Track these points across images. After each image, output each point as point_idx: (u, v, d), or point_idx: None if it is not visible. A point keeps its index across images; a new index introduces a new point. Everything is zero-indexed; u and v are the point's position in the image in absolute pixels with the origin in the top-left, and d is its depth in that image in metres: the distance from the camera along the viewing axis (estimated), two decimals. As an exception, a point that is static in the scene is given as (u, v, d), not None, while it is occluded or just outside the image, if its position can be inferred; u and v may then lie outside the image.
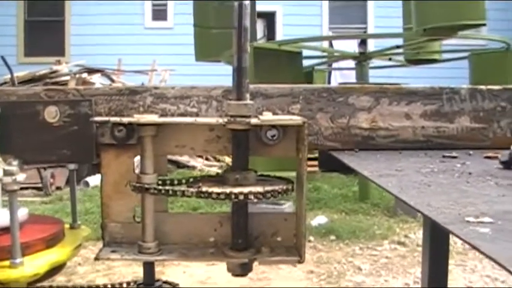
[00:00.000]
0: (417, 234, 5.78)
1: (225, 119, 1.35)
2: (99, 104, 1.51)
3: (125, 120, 1.38)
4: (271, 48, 6.09)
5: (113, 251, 1.46)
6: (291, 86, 1.54)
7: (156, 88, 1.52)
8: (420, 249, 5.30)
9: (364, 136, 1.55)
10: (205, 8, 6.31)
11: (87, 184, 8.26)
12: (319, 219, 6.18)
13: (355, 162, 1.36)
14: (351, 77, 10.46)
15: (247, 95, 1.35)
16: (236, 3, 1.36)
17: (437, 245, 1.80)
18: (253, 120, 1.35)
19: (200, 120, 1.40)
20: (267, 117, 1.40)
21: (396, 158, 1.45)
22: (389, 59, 8.12)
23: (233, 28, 1.36)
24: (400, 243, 5.56)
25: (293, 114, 1.52)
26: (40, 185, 7.89)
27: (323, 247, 5.32)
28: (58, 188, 8.32)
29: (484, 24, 5.39)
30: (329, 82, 14.63)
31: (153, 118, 1.37)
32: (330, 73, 14.29)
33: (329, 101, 1.53)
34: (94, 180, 8.34)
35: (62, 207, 7.11)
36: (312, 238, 5.47)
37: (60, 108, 1.48)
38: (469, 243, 0.64)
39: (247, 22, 1.35)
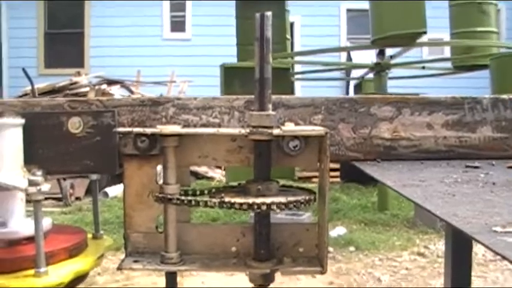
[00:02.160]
0: (437, 245, 5.74)
1: (248, 130, 1.36)
2: (121, 114, 1.52)
3: (148, 131, 1.39)
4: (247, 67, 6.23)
5: (135, 261, 1.46)
6: (312, 96, 1.54)
7: (178, 99, 1.52)
8: (441, 260, 5.28)
9: (386, 146, 1.55)
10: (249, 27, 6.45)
11: (106, 194, 8.30)
12: (338, 230, 6.16)
13: (378, 172, 1.36)
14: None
15: (270, 106, 1.36)
16: (258, 15, 1.37)
17: (459, 256, 1.78)
18: (276, 131, 1.35)
19: (222, 130, 1.40)
20: (289, 127, 1.40)
21: (419, 168, 1.44)
22: (423, 68, 8.12)
23: (255, 39, 1.37)
24: (420, 254, 5.53)
25: (315, 124, 1.53)
26: (60, 196, 7.94)
27: (342, 258, 5.30)
28: (77, 199, 8.38)
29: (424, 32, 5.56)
30: (347, 92, 14.64)
31: (175, 129, 1.37)
32: (347, 83, 14.31)
33: (351, 111, 1.53)
34: (113, 190, 8.39)
35: (82, 217, 7.16)
36: (331, 249, 5.46)
37: (84, 119, 1.50)
38: (498, 253, 0.64)
39: (269, 33, 1.36)
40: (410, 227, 6.61)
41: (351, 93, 14.21)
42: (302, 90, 14.42)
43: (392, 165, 1.47)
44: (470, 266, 1.86)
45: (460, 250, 1.81)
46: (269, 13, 1.37)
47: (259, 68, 1.36)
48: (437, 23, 14.68)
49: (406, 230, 6.47)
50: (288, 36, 6.79)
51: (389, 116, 1.55)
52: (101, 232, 1.75)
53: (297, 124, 1.51)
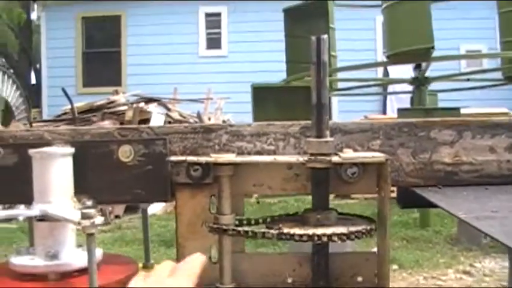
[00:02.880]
0: (483, 263, 5.61)
1: (305, 158, 1.31)
2: (173, 142, 1.49)
3: (202, 160, 1.35)
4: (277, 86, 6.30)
5: (189, 293, 1.42)
6: (370, 121, 1.49)
7: (231, 126, 1.48)
8: (488, 279, 5.15)
9: (447, 171, 1.49)
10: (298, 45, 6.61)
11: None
12: (380, 248, 6.06)
13: (443, 201, 1.30)
14: (406, 101, 10.34)
15: (327, 132, 1.31)
16: (314, 38, 1.32)
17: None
18: (335, 158, 1.30)
19: (279, 159, 1.36)
20: (349, 154, 1.35)
21: (485, 195, 1.38)
22: (468, 80, 8.04)
23: (311, 63, 1.32)
24: (465, 272, 5.40)
25: (373, 150, 1.47)
26: (103, 217, 7.96)
27: (386, 277, 5.20)
28: (117, 217, 8.41)
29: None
30: (384, 106, 14.52)
31: (231, 157, 1.33)
32: (385, 97, 14.19)
33: (410, 136, 1.48)
34: (152, 209, 8.40)
35: (121, 236, 7.18)
36: (374, 268, 5.37)
37: (134, 147, 1.47)
38: None
39: (325, 57, 1.31)
40: (453, 244, 6.48)
41: (389, 108, 14.10)
42: (339, 104, 14.33)
43: (455, 192, 1.41)
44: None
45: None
46: (325, 36, 1.33)
47: (316, 93, 1.31)
48: (474, 34, 14.53)
49: (450, 247, 6.34)
50: (334, 54, 6.80)
51: (449, 140, 1.49)
52: (152, 261, 1.72)
53: (354, 150, 1.46)
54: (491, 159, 1.50)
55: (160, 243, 6.57)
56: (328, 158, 1.30)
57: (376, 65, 6.70)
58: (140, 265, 1.66)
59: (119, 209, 8.43)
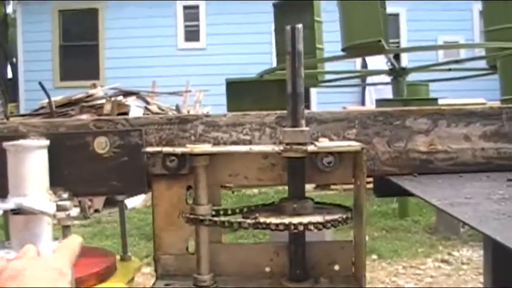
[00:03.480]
0: (461, 252, 5.67)
1: (281, 147, 1.31)
2: (149, 133, 1.48)
3: (178, 150, 1.35)
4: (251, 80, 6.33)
5: (167, 284, 1.42)
6: (346, 110, 1.49)
7: (207, 116, 1.48)
8: (466, 267, 5.20)
9: (423, 160, 1.50)
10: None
11: (124, 206, 8.28)
12: (360, 238, 6.09)
13: (418, 188, 1.31)
14: (385, 92, 10.39)
15: (303, 122, 1.31)
16: (288, 28, 1.32)
17: (500, 269, 1.72)
18: (310, 148, 1.30)
19: (255, 148, 1.36)
20: (324, 144, 1.35)
21: (459, 182, 1.39)
22: (449, 70, 8.09)
23: (286, 53, 1.32)
24: (444, 261, 5.45)
25: (349, 139, 1.48)
26: (78, 208, 7.92)
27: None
28: (96, 211, 8.38)
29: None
30: (363, 98, 14.58)
31: (206, 148, 1.33)
32: (363, 89, 14.24)
33: (385, 125, 1.48)
34: (131, 202, 8.37)
35: (101, 230, 7.15)
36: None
37: (110, 138, 1.46)
38: None
39: (300, 46, 1.31)
40: (432, 233, 6.54)
41: (368, 99, 14.16)
42: (318, 96, 14.37)
43: (430, 179, 1.42)
44: None
45: (500, 262, 1.75)
46: (300, 26, 1.33)
47: (291, 83, 1.31)
48: (452, 26, 14.62)
49: (429, 237, 6.40)
50: (321, 46, 6.87)
51: (425, 129, 1.49)
52: (129, 254, 1.71)
53: (330, 139, 1.46)
54: (465, 148, 1.51)
55: (141, 236, 6.56)
56: (303, 148, 1.30)
57: (336, 58, 6.72)
58: (118, 257, 1.65)
59: (99, 203, 8.39)
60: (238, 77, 6.31)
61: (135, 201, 8.39)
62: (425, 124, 1.49)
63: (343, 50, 6.51)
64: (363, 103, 14.32)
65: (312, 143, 1.34)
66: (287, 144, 1.31)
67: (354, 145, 1.32)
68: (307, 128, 1.32)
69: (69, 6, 15.17)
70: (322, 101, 14.15)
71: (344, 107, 11.27)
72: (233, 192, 8.51)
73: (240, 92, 5.85)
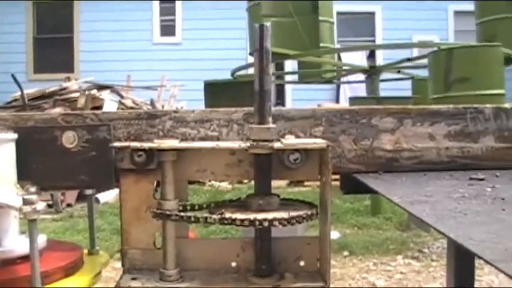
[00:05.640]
0: (431, 249, 5.73)
1: (248, 144, 1.32)
2: (117, 128, 1.49)
3: (145, 145, 1.35)
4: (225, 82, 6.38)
5: (133, 279, 1.43)
6: (313, 108, 1.51)
7: (175, 112, 1.49)
8: (435, 264, 5.26)
9: (388, 158, 1.52)
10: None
11: (97, 201, 8.23)
12: (331, 235, 6.12)
13: (381, 186, 1.33)
14: (359, 90, 10.45)
15: (270, 119, 1.33)
16: (256, 25, 1.34)
17: (462, 264, 1.76)
18: (276, 145, 1.32)
19: (222, 145, 1.37)
20: (290, 141, 1.37)
21: (422, 180, 1.41)
22: (398, 72, 8.10)
23: (254, 51, 1.34)
24: (414, 258, 5.51)
25: (316, 136, 1.50)
26: (50, 202, 7.87)
27: (336, 263, 5.27)
28: (68, 205, 8.32)
29: None
30: (337, 96, 14.64)
31: (173, 143, 1.34)
32: (338, 87, 14.30)
33: (352, 123, 1.50)
34: (104, 196, 8.33)
35: (73, 224, 7.10)
36: (325, 254, 5.43)
37: (78, 133, 1.46)
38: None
39: (268, 44, 1.33)
40: (403, 230, 6.60)
41: (342, 97, 14.22)
42: (293, 93, 14.41)
43: (395, 177, 1.44)
44: (473, 274, 1.84)
45: (462, 258, 1.78)
46: (268, 24, 1.34)
47: (258, 80, 1.33)
48: (426, 26, 14.72)
49: (400, 234, 6.45)
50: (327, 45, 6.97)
51: (390, 127, 1.52)
52: (97, 248, 1.72)
53: (297, 136, 1.48)
54: (430, 146, 1.54)
55: (113, 231, 6.53)
56: (270, 144, 1.31)
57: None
58: (85, 251, 1.65)
59: (71, 197, 8.33)
60: (215, 79, 6.34)
61: (108, 196, 8.35)
62: (391, 123, 1.52)
63: (250, 54, 6.61)
64: (337, 101, 14.38)
65: (278, 140, 1.36)
66: (254, 140, 1.32)
67: (320, 142, 1.34)
68: (273, 125, 1.33)
69: (44, -3, 15.03)
70: (296, 97, 14.19)
71: (319, 104, 11.31)
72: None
73: (217, 93, 5.89)
